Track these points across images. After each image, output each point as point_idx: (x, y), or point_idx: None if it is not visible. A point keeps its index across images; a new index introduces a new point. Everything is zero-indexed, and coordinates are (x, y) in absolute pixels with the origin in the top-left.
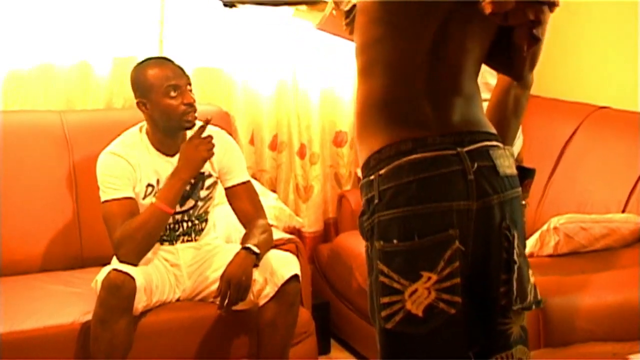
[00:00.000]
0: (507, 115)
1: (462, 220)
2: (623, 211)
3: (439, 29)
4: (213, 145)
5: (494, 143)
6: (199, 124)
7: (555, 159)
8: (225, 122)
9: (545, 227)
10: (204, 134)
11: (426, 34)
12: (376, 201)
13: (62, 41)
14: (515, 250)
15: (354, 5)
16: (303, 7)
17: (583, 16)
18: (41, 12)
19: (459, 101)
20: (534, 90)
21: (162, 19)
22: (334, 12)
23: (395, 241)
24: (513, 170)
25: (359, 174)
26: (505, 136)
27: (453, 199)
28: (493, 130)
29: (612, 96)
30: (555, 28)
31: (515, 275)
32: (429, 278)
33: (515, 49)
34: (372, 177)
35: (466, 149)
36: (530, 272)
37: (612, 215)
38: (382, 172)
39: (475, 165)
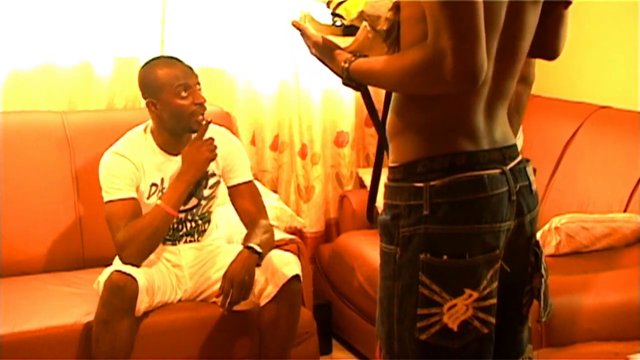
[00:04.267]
0: (509, 111)
1: (503, 239)
2: (625, 210)
3: (504, 30)
4: (215, 147)
5: (524, 157)
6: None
7: (557, 158)
8: (227, 123)
9: (546, 227)
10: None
11: (494, 38)
12: (425, 212)
13: (63, 41)
14: (543, 265)
15: (394, 23)
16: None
17: (584, 16)
18: (43, 12)
19: (504, 111)
20: (535, 90)
21: (164, 19)
22: (369, 35)
23: (445, 257)
24: (535, 185)
25: (361, 174)
26: None
27: (502, 220)
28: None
29: (613, 96)
30: None
31: (543, 287)
32: (470, 295)
33: (547, 27)
34: (420, 184)
35: (509, 167)
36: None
37: (614, 215)
38: (434, 183)
39: (518, 186)
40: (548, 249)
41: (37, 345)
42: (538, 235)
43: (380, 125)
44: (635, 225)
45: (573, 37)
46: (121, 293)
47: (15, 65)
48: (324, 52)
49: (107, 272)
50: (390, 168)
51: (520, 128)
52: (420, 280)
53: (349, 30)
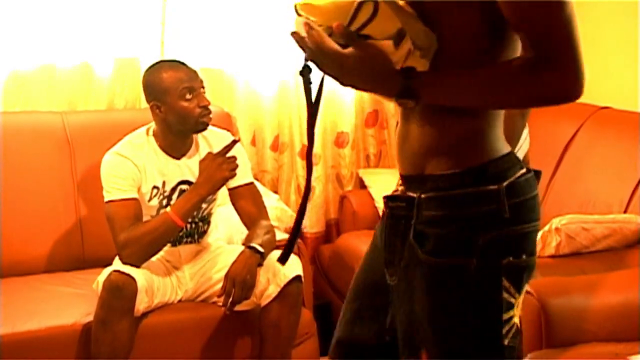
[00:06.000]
0: (513, 114)
1: None
2: (625, 211)
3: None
4: (236, 166)
5: None
6: (211, 128)
7: (557, 159)
8: (227, 123)
9: (547, 227)
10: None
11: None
12: (506, 215)
13: (63, 42)
14: None
15: (433, 37)
16: None
17: (584, 16)
18: (43, 12)
19: None
20: None
21: (164, 20)
22: (411, 48)
23: (524, 256)
24: None
25: (361, 174)
26: (511, 136)
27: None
28: None
29: (613, 96)
30: None
31: None
32: (526, 291)
33: None
34: (494, 186)
35: None
36: None
37: (614, 216)
38: (506, 184)
39: None
40: (548, 250)
41: (36, 345)
42: (538, 236)
43: (311, 145)
44: (635, 226)
45: None
46: (120, 293)
47: (16, 65)
48: (374, 59)
49: (106, 272)
50: (442, 176)
51: (527, 131)
52: (503, 286)
53: None
